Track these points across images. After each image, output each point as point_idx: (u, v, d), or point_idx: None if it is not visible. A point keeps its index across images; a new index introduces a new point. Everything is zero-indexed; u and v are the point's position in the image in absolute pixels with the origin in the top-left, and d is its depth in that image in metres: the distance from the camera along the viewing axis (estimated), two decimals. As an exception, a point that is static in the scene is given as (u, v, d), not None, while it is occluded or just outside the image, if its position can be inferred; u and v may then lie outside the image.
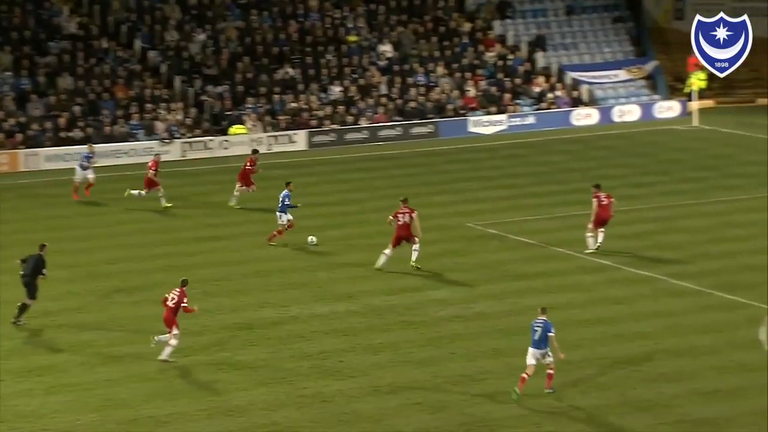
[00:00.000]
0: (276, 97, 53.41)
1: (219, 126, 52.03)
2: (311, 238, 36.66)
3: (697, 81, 55.48)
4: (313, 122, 53.00)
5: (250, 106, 52.81)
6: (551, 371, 26.10)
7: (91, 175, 42.36)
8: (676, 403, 25.78)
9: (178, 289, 28.45)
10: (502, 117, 54.51)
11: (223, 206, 42.04)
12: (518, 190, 44.06)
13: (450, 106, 54.65)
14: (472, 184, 45.03)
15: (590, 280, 33.83)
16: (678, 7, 64.22)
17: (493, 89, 56.00)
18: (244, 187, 41.24)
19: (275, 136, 51.77)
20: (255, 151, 42.87)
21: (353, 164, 48.96)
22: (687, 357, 28.21)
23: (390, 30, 57.89)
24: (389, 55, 56.64)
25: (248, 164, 41.38)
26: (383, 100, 54.49)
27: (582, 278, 33.99)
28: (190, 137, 50.98)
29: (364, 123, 53.38)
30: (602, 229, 35.61)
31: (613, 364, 27.81)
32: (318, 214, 41.02)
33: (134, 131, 50.86)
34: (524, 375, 26.02)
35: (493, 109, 55.05)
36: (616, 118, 55.75)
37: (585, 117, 55.47)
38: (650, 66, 58.85)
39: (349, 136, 52.68)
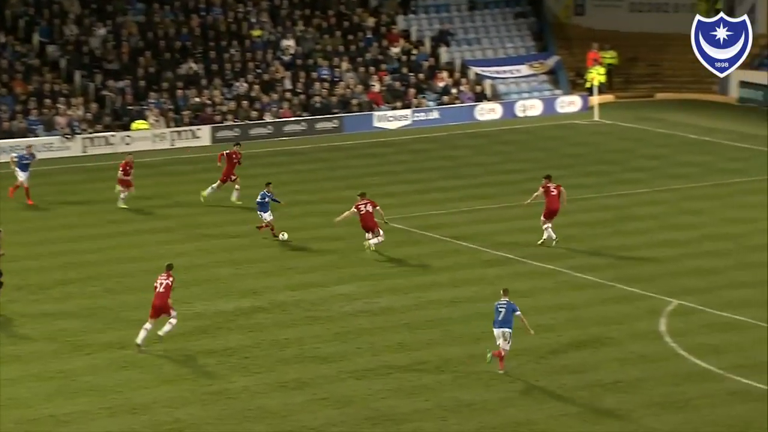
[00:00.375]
0: (179, 92, 52.93)
1: (121, 121, 51.40)
2: (283, 234, 36.31)
3: (596, 75, 56.20)
4: (217, 117, 52.65)
5: (152, 101, 52.25)
6: (502, 353, 26.74)
7: (22, 178, 41.08)
8: (579, 395, 26.10)
9: (165, 274, 28.54)
10: (407, 112, 54.68)
11: (125, 202, 41.50)
12: (423, 185, 44.24)
13: (355, 101, 54.66)
14: (378, 179, 45.10)
15: (494, 273, 34.10)
16: (578, 2, 65.02)
17: (398, 84, 56.15)
18: (228, 181, 40.68)
19: (178, 132, 51.31)
20: (237, 144, 42.17)
21: (258, 159, 48.71)
22: (589, 349, 28.57)
23: (293, 25, 57.73)
24: (293, 50, 56.49)
25: (234, 157, 40.73)
26: (287, 95, 54.33)
27: (486, 272, 34.24)
28: (91, 133, 50.29)
29: (268, 118, 53.16)
30: (548, 225, 35.89)
31: (517, 357, 28.04)
32: (222, 210, 40.75)
33: (33, 127, 50.00)
34: (500, 352, 26.79)
35: (398, 104, 55.18)
36: (518, 113, 56.24)
37: (488, 112, 55.88)
38: (552, 61, 59.48)
39: (254, 131, 52.42)
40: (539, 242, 35.95)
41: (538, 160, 48.17)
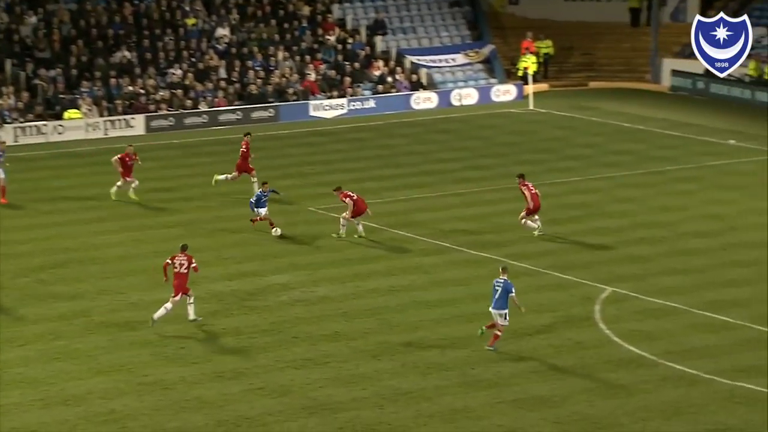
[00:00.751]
0: (112, 80, 52.48)
1: (53, 110, 50.87)
2: (276, 230, 35.90)
3: (529, 64, 56.50)
4: (151, 106, 52.29)
5: (85, 90, 51.78)
6: (499, 333, 27.73)
7: (2, 175, 39.81)
8: (515, 381, 26.33)
9: (183, 255, 29.02)
10: (343, 101, 54.68)
11: (57, 192, 41.12)
12: (360, 174, 44.28)
13: (290, 90, 54.55)
14: (314, 168, 45.08)
15: (430, 262, 34.25)
16: (511, -9, 65.44)
17: (333, 73, 56.12)
18: (238, 174, 39.79)
19: (112, 121, 50.90)
20: (248, 134, 41.01)
21: (193, 149, 48.50)
22: (524, 336, 28.81)
23: (228, 13, 57.46)
24: (228, 38, 56.24)
25: (243, 147, 39.91)
26: (222, 83, 54.10)
27: (422, 260, 34.38)
28: (22, 122, 49.72)
29: (203, 107, 52.89)
30: (536, 217, 35.87)
31: (453, 345, 28.25)
32: (157, 200, 40.52)
33: (-36, 116, 49.41)
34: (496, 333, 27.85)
35: (334, 93, 55.17)
36: (454, 102, 56.47)
37: (424, 101, 56.05)
38: (487, 50, 59.72)
39: (189, 120, 52.14)
40: (537, 233, 35.80)
41: (474, 149, 48.41)
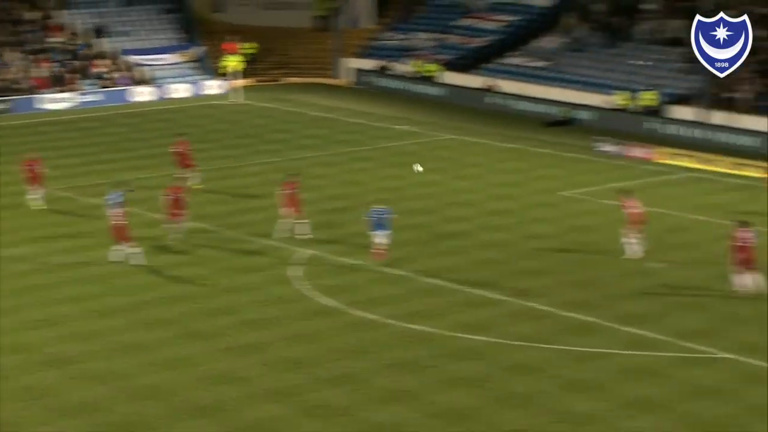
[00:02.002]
0: None
1: None
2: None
3: (232, 63, 56.43)
4: None
5: None
6: None
7: None
8: (228, 332, 26.27)
9: None
10: (71, 95, 52.78)
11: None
12: (89, 158, 42.93)
13: (23, 86, 52.14)
14: (48, 154, 43.23)
15: (149, 233, 33.56)
16: (219, 0, 65.06)
17: (62, 70, 54.05)
18: None
19: None
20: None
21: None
22: (235, 293, 28.77)
23: (-38, 16, 54.26)
24: (-37, 38, 53.10)
25: None
26: (-41, 79, 51.06)
27: (142, 231, 33.64)
28: None
29: (-59, 100, 49.71)
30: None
31: (176, 302, 27.96)
32: None
33: None
34: None
35: (63, 88, 53.14)
36: (169, 96, 55.62)
37: (143, 94, 54.91)
38: (197, 51, 59.17)
39: (-73, 112, 48.92)
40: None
41: (190, 135, 47.57)
